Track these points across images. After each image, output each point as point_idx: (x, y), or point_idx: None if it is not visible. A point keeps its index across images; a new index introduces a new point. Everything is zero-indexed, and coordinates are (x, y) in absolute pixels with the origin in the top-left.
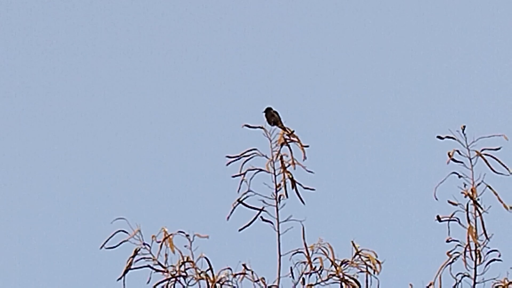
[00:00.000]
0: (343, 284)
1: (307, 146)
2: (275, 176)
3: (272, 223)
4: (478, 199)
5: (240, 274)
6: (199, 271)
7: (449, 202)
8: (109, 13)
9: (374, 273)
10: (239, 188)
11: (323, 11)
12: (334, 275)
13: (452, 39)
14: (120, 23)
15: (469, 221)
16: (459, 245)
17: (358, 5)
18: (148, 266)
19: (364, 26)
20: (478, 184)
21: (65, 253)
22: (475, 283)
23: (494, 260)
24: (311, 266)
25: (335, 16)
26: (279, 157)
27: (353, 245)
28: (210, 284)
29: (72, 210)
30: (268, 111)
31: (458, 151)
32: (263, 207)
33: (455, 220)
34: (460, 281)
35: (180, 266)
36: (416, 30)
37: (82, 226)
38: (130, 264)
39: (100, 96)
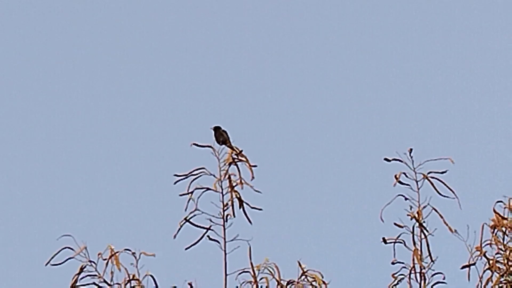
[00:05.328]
0: None
1: (255, 166)
2: (223, 195)
3: (219, 242)
4: (424, 222)
5: None
6: None
7: (395, 224)
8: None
9: None
10: (186, 207)
11: (269, 35)
12: None
13: (401, 63)
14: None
15: (414, 243)
16: (404, 267)
17: (302, 38)
18: (94, 283)
19: (310, 52)
20: (424, 207)
21: (10, 270)
22: None
23: (438, 282)
24: (257, 286)
25: (280, 42)
26: (227, 176)
27: (299, 265)
28: None
29: (17, 226)
30: (217, 130)
31: (405, 173)
32: (210, 226)
33: (400, 242)
34: None
35: (126, 284)
36: (365, 54)
37: (27, 242)
38: (76, 281)
39: (44, 114)
